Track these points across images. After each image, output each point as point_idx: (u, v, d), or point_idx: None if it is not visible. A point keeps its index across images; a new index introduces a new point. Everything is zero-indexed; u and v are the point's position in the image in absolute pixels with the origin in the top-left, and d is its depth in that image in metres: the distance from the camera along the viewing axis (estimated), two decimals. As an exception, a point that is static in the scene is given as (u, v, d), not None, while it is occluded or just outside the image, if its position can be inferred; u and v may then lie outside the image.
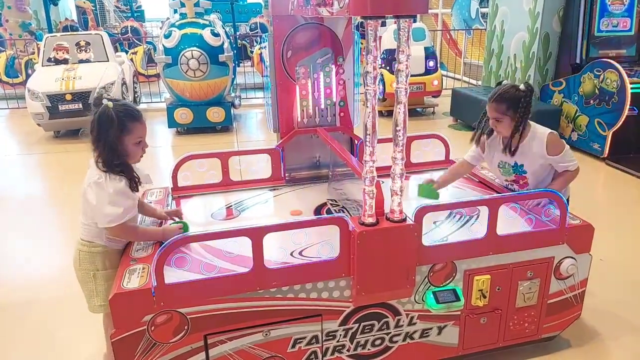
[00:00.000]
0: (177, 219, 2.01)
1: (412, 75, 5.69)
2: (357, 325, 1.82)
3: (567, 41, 5.32)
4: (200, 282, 1.62)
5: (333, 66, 2.53)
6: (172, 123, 6.07)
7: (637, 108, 4.47)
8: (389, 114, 6.31)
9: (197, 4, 6.06)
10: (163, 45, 5.81)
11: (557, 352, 2.15)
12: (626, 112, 4.47)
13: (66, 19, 11.08)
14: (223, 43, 5.91)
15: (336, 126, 2.65)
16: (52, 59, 6.37)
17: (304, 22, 2.42)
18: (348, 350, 1.86)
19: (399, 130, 1.62)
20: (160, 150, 5.74)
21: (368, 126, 1.61)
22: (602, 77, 4.72)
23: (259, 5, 12.74)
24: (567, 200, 2.24)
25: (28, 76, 7.28)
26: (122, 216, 1.69)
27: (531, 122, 2.18)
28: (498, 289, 1.91)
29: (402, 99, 1.59)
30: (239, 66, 8.04)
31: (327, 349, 1.83)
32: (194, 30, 5.85)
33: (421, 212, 1.72)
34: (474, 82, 8.85)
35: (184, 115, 6.00)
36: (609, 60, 4.71)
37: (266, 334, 1.72)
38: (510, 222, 2.01)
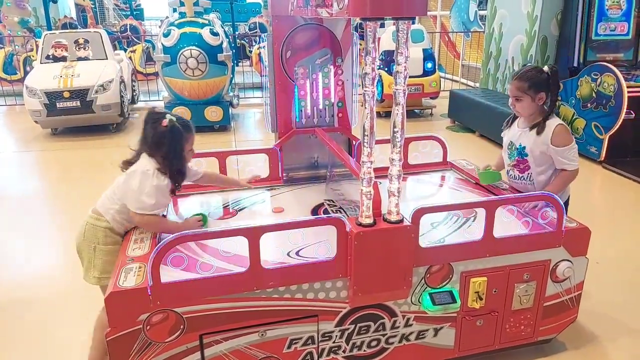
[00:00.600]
0: (197, 213, 2.12)
1: (410, 77, 5.68)
2: (353, 326, 1.82)
3: (565, 44, 5.34)
4: (196, 282, 1.61)
5: (332, 67, 2.53)
6: (170, 122, 6.05)
7: (634, 112, 4.49)
8: (387, 115, 6.30)
9: (196, 3, 6.06)
10: (162, 43, 5.80)
11: (554, 355, 2.15)
12: (623, 115, 4.49)
13: (65, 16, 11.04)
14: (222, 42, 5.91)
15: (334, 127, 2.65)
16: (51, 57, 6.35)
17: (304, 23, 2.42)
18: (344, 352, 1.86)
19: (397, 131, 1.62)
20: (158, 149, 5.72)
21: (366, 127, 1.61)
22: (599, 80, 4.74)
23: (258, 5, 12.74)
24: (567, 201, 2.25)
25: (26, 73, 7.26)
26: (151, 208, 1.86)
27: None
28: (494, 291, 1.92)
29: (400, 100, 1.59)
30: (237, 66, 8.04)
31: (323, 349, 1.83)
32: (193, 29, 5.85)
33: (418, 214, 1.72)
34: (472, 84, 8.88)
35: (182, 114, 5.94)
36: (606, 64, 4.73)
37: (262, 334, 1.72)
38: (507, 224, 2.01)
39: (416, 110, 7.16)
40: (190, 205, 2.35)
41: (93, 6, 11.84)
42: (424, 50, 6.67)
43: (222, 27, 6.32)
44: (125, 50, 8.71)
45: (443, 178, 2.68)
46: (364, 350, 1.88)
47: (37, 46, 7.47)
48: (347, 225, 1.67)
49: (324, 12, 1.68)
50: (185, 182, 2.05)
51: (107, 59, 6.50)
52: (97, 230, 1.90)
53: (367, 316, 1.82)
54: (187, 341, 1.65)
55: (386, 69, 6.57)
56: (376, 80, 1.61)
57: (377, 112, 1.64)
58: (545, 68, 2.13)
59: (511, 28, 6.02)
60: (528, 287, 1.95)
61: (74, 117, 5.90)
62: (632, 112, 4.47)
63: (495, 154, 2.55)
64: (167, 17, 6.63)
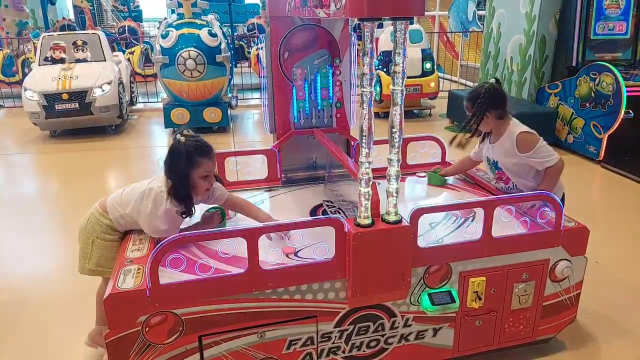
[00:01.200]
0: (214, 207, 2.06)
1: (408, 77, 5.69)
2: (352, 326, 1.82)
3: (564, 44, 5.34)
4: (195, 283, 1.61)
5: (330, 67, 2.53)
6: (168, 123, 6.06)
7: (633, 111, 4.49)
8: (386, 115, 6.31)
9: (194, 4, 6.05)
10: (160, 45, 5.80)
11: (553, 355, 2.15)
12: (622, 115, 4.50)
13: (63, 18, 11.03)
14: (220, 43, 5.91)
15: (333, 127, 2.65)
16: (49, 58, 6.34)
17: (301, 23, 2.42)
18: (343, 352, 1.86)
19: (395, 132, 1.62)
20: (157, 150, 5.73)
21: (364, 128, 1.61)
22: (597, 80, 4.75)
23: (256, 6, 12.73)
24: (563, 197, 2.26)
25: (25, 75, 7.25)
26: (161, 233, 1.82)
27: (513, 120, 2.21)
28: (493, 291, 1.92)
29: (398, 100, 1.59)
30: (236, 67, 8.04)
31: (322, 350, 1.83)
32: (191, 30, 5.84)
33: (417, 214, 1.72)
34: (470, 84, 8.88)
35: (180, 115, 5.98)
36: (604, 63, 4.74)
37: (261, 335, 1.72)
38: (506, 224, 2.01)
39: (415, 111, 7.16)
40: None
41: (91, 8, 11.83)
42: (423, 51, 6.67)
43: (221, 28, 6.32)
44: (123, 52, 8.71)
45: (442, 178, 2.67)
46: (364, 351, 1.88)
47: (35, 48, 7.46)
48: (345, 226, 1.67)
49: (322, 12, 1.68)
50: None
51: (105, 60, 6.49)
52: (99, 225, 1.92)
53: (366, 317, 1.82)
54: (186, 343, 1.65)
55: (385, 69, 6.57)
56: (374, 81, 1.61)
57: (375, 112, 1.65)
58: (486, 85, 2.18)
59: (509, 28, 6.02)
60: (527, 286, 1.95)
61: (73, 119, 5.89)
62: (630, 111, 4.48)
63: (452, 164, 2.59)
64: (165, 19, 6.63)
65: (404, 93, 1.60)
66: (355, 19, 1.56)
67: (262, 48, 2.50)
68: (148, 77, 8.86)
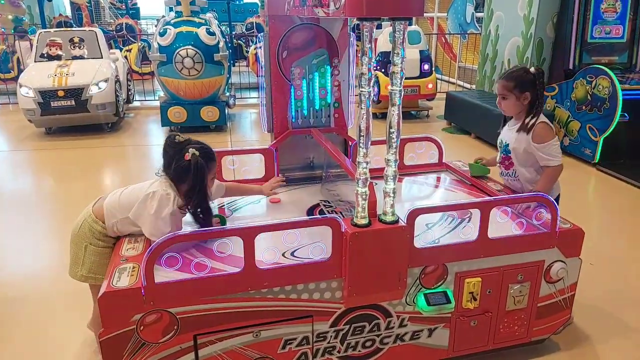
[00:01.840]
0: (216, 214, 2.06)
1: (406, 78, 5.68)
2: (348, 326, 1.82)
3: (561, 47, 5.37)
4: (190, 282, 1.60)
5: (328, 67, 2.53)
6: (165, 122, 6.04)
7: (629, 114, 4.52)
8: (383, 116, 6.32)
9: (192, 3, 6.04)
10: (158, 43, 5.78)
11: (547, 355, 2.16)
12: (617, 118, 4.52)
13: (60, 14, 10.98)
14: (218, 42, 5.90)
15: (330, 127, 2.65)
16: (45, 55, 6.30)
17: (300, 23, 2.42)
18: (339, 352, 1.86)
19: (393, 132, 1.62)
20: (153, 149, 5.70)
21: (362, 128, 1.61)
22: (594, 83, 4.78)
23: (255, 5, 12.71)
24: (558, 198, 2.27)
25: (20, 72, 7.20)
26: (163, 235, 1.75)
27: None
28: (489, 292, 1.92)
29: (396, 101, 1.59)
30: (234, 66, 8.02)
31: (318, 350, 1.82)
32: (189, 28, 5.83)
33: (413, 214, 1.72)
34: (468, 86, 8.91)
35: (178, 114, 5.97)
36: (601, 66, 4.77)
37: (256, 335, 1.72)
38: (502, 225, 2.02)
39: (412, 112, 7.18)
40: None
41: (88, 4, 11.76)
42: (421, 52, 6.69)
43: (219, 27, 6.31)
44: (120, 50, 8.67)
45: (438, 179, 2.68)
46: (359, 351, 1.88)
47: (31, 44, 7.41)
48: (342, 226, 1.67)
49: (321, 12, 1.68)
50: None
51: (102, 58, 6.46)
52: (91, 231, 1.89)
53: (361, 317, 1.82)
54: (181, 341, 1.64)
55: (383, 70, 6.58)
56: (373, 81, 1.61)
57: (373, 113, 1.65)
58: (532, 69, 2.17)
59: (507, 30, 6.05)
60: (522, 287, 1.96)
61: (69, 116, 5.86)
62: (626, 114, 4.51)
63: (491, 155, 2.60)
64: (163, 16, 6.62)
65: (402, 93, 1.60)
66: (355, 19, 1.56)
67: (260, 47, 2.49)
68: (145, 75, 8.84)
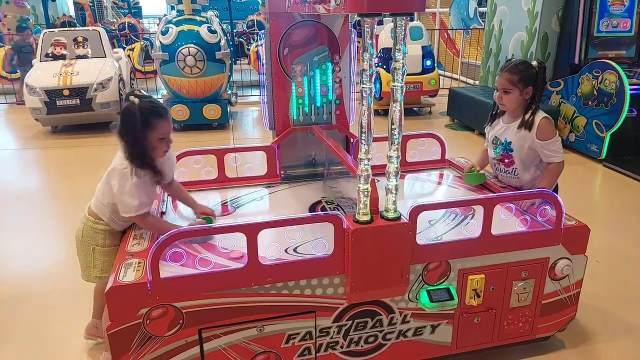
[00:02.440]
0: (203, 216, 2.03)
1: (408, 74, 5.68)
2: (350, 322, 1.82)
3: (566, 41, 5.32)
4: (195, 277, 1.61)
5: (329, 64, 2.53)
6: (169, 120, 6.06)
7: (636, 110, 4.47)
8: (385, 113, 6.30)
9: (194, 1, 6.05)
10: (160, 41, 5.79)
11: (552, 353, 2.15)
12: (625, 113, 4.48)
13: (64, 14, 11.03)
14: (220, 40, 5.90)
15: (332, 124, 2.64)
16: (50, 55, 6.34)
17: (301, 20, 2.42)
18: (341, 347, 1.86)
19: (395, 128, 1.61)
20: (157, 147, 5.72)
21: (363, 124, 1.60)
22: (600, 78, 4.73)
23: (256, 3, 12.71)
24: (556, 191, 2.25)
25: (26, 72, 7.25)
26: (136, 209, 1.77)
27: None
28: (492, 289, 1.91)
29: (398, 97, 1.59)
30: (235, 64, 8.03)
31: (321, 345, 1.83)
32: (190, 27, 5.83)
33: (416, 211, 1.72)
34: (471, 81, 8.86)
35: (180, 111, 5.98)
36: (608, 61, 4.71)
37: (260, 329, 1.72)
38: (506, 222, 2.01)
39: (415, 108, 7.15)
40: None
41: (91, 4, 11.81)
42: (423, 48, 6.66)
43: (220, 25, 6.30)
44: (123, 48, 8.70)
45: (441, 176, 2.67)
46: (362, 346, 1.88)
47: (36, 44, 7.45)
48: (344, 222, 1.67)
49: (322, 8, 1.68)
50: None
51: (105, 57, 6.49)
52: (96, 233, 1.88)
53: (364, 312, 1.82)
54: (186, 335, 1.66)
55: (385, 66, 6.56)
56: (374, 78, 1.61)
57: (375, 109, 1.65)
58: (534, 63, 2.15)
59: (511, 25, 6.00)
60: (526, 284, 1.95)
61: (74, 115, 5.90)
62: (634, 110, 4.46)
63: (477, 156, 2.54)
64: (165, 15, 6.63)
65: (404, 90, 1.59)
66: (355, 15, 1.55)
67: (261, 45, 2.49)
68: (148, 74, 8.87)
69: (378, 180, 1.73)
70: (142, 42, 9.36)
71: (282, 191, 2.48)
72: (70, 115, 5.88)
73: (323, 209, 2.25)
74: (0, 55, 8.43)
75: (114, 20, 12.32)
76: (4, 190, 4.38)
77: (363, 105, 1.59)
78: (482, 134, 5.80)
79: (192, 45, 5.66)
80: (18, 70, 8.08)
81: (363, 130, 1.61)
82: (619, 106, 4.51)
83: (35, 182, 4.71)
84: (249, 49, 8.94)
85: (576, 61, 5.15)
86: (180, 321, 1.63)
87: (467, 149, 4.98)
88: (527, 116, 2.16)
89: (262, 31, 2.47)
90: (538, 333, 2.07)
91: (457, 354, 2.02)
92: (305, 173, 2.64)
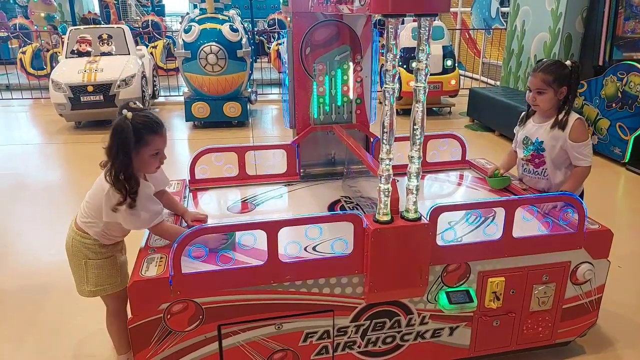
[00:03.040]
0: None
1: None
2: (368, 322, 1.83)
3: (590, 43, 5.21)
4: (215, 273, 1.64)
5: (351, 63, 2.53)
6: (189, 116, 6.15)
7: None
8: (405, 112, 6.27)
9: (216, 0, 6.10)
10: (183, 39, 5.87)
11: (572, 358, 2.12)
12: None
13: (89, 12, 11.27)
14: (241, 39, 5.95)
15: (352, 123, 2.65)
16: (75, 51, 6.50)
17: (324, 19, 2.43)
18: (359, 347, 1.87)
19: (417, 128, 1.62)
20: (178, 143, 5.82)
21: (385, 124, 1.61)
22: (625, 80, 4.62)
23: (277, 2, 12.77)
24: (582, 195, 2.22)
25: (52, 69, 7.44)
26: (150, 221, 1.71)
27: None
28: (512, 292, 1.90)
29: (420, 97, 1.59)
30: (255, 62, 8.08)
31: (338, 344, 1.84)
32: (213, 25, 5.90)
33: (436, 212, 1.71)
34: (492, 82, 8.74)
35: (201, 109, 6.06)
36: (633, 62, 4.60)
37: (278, 327, 1.74)
38: (527, 224, 1.99)
39: (434, 109, 7.09)
40: (208, 199, 2.38)
41: (116, 2, 12.05)
42: (444, 48, 6.60)
43: (242, 24, 6.36)
44: (146, 46, 8.85)
45: (461, 177, 2.66)
46: (379, 347, 1.88)
47: (62, 42, 7.64)
48: (364, 222, 1.67)
49: (345, 8, 1.69)
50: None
51: (129, 54, 6.62)
52: (84, 246, 1.80)
53: (382, 313, 1.82)
54: (205, 331, 1.69)
55: (405, 66, 6.52)
56: (396, 78, 1.61)
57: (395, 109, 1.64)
58: (568, 63, 2.13)
59: (534, 25, 5.90)
60: (547, 288, 1.92)
61: (97, 111, 6.03)
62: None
63: (502, 160, 2.50)
64: (187, 14, 6.71)
65: (427, 90, 1.59)
66: (378, 15, 1.55)
67: (282, 43, 2.51)
68: (170, 71, 8.99)
69: (397, 180, 1.73)
70: (165, 40, 9.50)
71: (302, 189, 2.50)
72: (93, 111, 6.01)
73: (342, 208, 2.26)
74: (28, 53, 8.65)
75: (138, 18, 12.53)
76: (27, 183, 4.51)
77: (386, 105, 1.60)
78: (503, 135, 5.74)
79: (214, 43, 5.73)
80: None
81: (385, 130, 1.61)
82: (645, 109, 4.41)
83: (58, 175, 4.84)
84: (269, 48, 8.99)
85: (600, 63, 5.04)
86: (200, 317, 1.66)
87: (487, 150, 4.92)
88: (560, 116, 2.13)
89: (284, 30, 2.49)
90: (558, 338, 2.05)
91: (475, 357, 2.01)
92: (324, 172, 2.66)
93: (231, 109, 6.14)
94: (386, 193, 1.65)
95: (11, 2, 12.74)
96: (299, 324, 1.76)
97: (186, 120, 6.26)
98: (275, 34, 9.42)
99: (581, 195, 2.21)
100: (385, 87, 1.59)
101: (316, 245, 1.83)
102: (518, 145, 2.34)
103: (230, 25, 5.90)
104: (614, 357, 2.16)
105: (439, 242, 1.77)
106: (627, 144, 4.59)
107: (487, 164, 2.68)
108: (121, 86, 6.00)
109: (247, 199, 2.37)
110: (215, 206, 2.33)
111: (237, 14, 6.52)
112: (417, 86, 1.58)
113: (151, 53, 8.32)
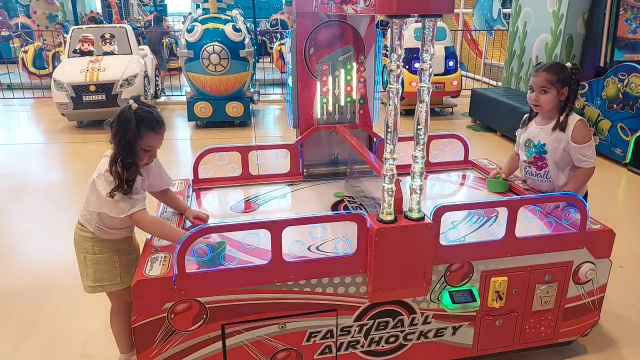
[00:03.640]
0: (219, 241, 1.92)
1: (431, 75, 5.63)
2: (371, 321, 1.84)
3: (591, 44, 5.22)
4: (219, 273, 1.65)
5: (354, 64, 2.54)
6: (191, 116, 6.16)
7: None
8: (407, 112, 6.28)
9: (219, 0, 6.12)
10: (185, 39, 5.88)
11: (573, 358, 2.13)
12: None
13: (91, 11, 11.29)
14: (244, 39, 5.96)
15: (355, 123, 2.66)
16: (78, 51, 6.51)
17: (327, 20, 2.43)
18: (362, 346, 1.87)
19: (421, 128, 1.62)
20: (180, 143, 5.83)
21: (389, 124, 1.61)
22: (626, 81, 4.62)
23: (279, 2, 12.79)
24: (585, 197, 2.22)
25: (54, 68, 7.46)
26: (131, 205, 1.71)
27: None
28: (515, 291, 1.90)
29: (424, 97, 1.60)
30: (258, 62, 8.10)
31: (342, 344, 1.85)
32: (216, 25, 5.91)
33: (439, 211, 1.72)
34: (493, 83, 8.74)
35: (203, 109, 6.07)
36: (634, 64, 4.61)
37: (282, 327, 1.75)
38: (529, 224, 2.00)
39: (436, 109, 7.10)
40: (211, 199, 2.39)
41: (118, 1, 12.06)
42: (446, 48, 6.61)
43: (245, 24, 6.37)
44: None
45: (464, 177, 2.66)
46: (382, 346, 1.89)
47: (64, 41, 7.65)
48: (368, 222, 1.68)
49: (349, 9, 1.70)
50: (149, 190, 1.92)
51: (132, 53, 6.63)
52: (84, 240, 1.84)
53: (385, 312, 1.83)
54: (209, 330, 1.69)
55: (407, 66, 6.53)
56: (400, 78, 1.62)
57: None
58: (568, 64, 2.15)
59: (536, 26, 5.91)
60: (549, 288, 1.93)
61: (99, 110, 6.02)
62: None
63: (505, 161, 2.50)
64: (190, 13, 6.72)
65: (430, 90, 1.60)
66: (381, 16, 1.56)
67: (284, 44, 2.51)
68: (172, 71, 9.01)
69: (401, 180, 1.73)
70: (167, 40, 9.52)
71: (305, 189, 2.50)
72: (95, 110, 6.01)
73: (345, 207, 2.27)
74: (30, 52, 8.67)
75: (140, 17, 12.55)
76: (29, 183, 4.52)
77: (389, 105, 1.61)
78: (504, 136, 5.75)
79: (216, 43, 5.74)
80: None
81: (389, 129, 1.62)
82: (646, 110, 4.41)
83: (61, 175, 4.84)
84: (271, 48, 9.00)
85: (601, 64, 5.04)
86: (204, 316, 1.67)
87: (489, 151, 4.92)
88: (561, 117, 2.14)
89: (287, 30, 2.50)
90: (560, 337, 2.05)
91: (478, 357, 2.01)
92: (327, 172, 2.66)
93: (234, 109, 6.15)
94: (390, 192, 1.66)
95: (13, 1, 12.78)
96: (303, 324, 1.77)
97: (188, 120, 6.27)
98: (278, 34, 9.43)
99: (585, 197, 2.21)
100: (390, 87, 1.60)
101: (320, 245, 1.84)
102: (520, 147, 2.34)
103: (233, 25, 5.91)
104: (616, 357, 2.17)
105: (442, 242, 1.78)
106: (628, 144, 4.60)
107: (489, 164, 2.69)
108: (123, 86, 6.01)
109: (250, 199, 2.38)
110: (218, 206, 2.33)
111: (239, 14, 6.53)
112: (421, 86, 1.59)
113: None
